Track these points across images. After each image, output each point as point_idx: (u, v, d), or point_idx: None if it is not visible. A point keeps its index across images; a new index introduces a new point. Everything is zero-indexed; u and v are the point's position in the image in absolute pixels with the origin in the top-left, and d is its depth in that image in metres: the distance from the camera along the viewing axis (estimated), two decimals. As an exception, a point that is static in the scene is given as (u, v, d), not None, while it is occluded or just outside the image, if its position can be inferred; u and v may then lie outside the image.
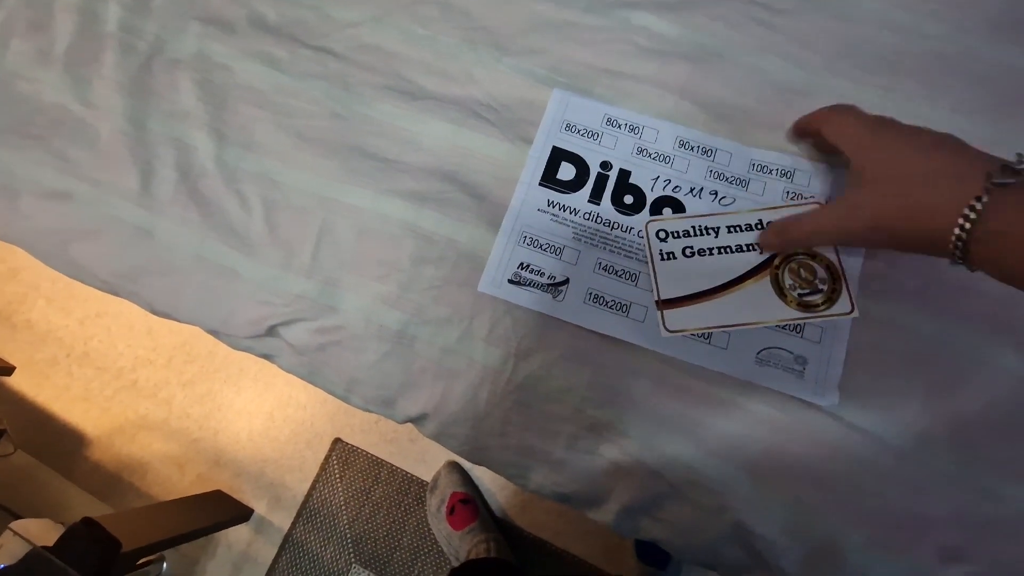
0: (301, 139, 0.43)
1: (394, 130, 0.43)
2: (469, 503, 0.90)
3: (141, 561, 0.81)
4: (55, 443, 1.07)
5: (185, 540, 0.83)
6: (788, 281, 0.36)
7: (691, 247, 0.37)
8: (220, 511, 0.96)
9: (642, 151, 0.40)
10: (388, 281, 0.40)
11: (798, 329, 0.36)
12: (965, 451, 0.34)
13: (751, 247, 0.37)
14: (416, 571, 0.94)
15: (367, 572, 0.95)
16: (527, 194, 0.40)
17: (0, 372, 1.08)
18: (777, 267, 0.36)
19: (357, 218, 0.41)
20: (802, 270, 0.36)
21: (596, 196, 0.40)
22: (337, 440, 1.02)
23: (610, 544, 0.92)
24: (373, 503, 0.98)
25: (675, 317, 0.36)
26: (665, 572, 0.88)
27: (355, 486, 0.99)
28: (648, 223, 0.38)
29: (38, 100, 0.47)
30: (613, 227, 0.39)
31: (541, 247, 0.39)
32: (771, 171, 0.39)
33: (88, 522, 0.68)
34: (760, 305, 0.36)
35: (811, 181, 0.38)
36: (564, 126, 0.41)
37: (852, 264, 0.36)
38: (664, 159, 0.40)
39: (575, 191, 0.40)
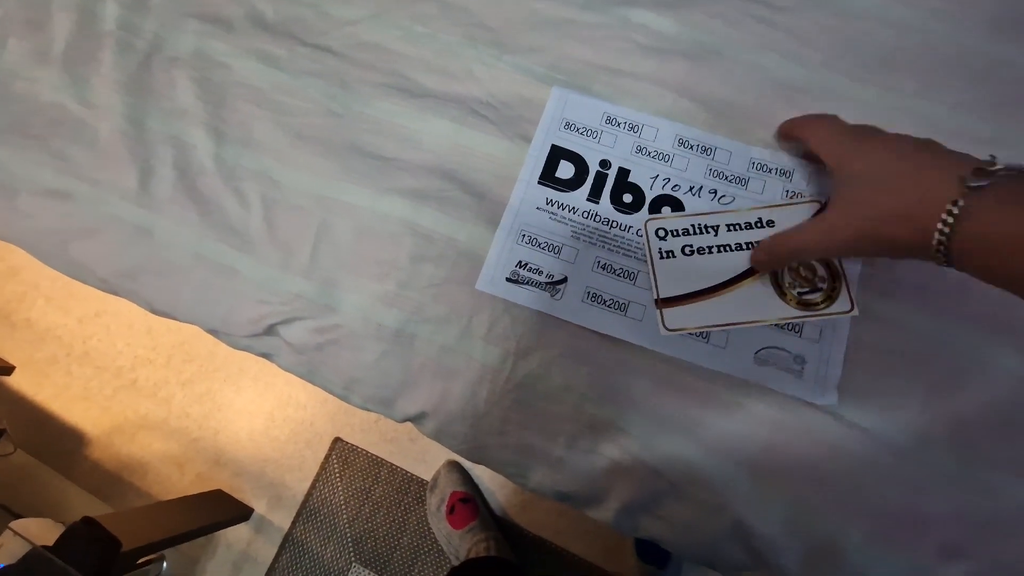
0: (299, 137, 0.43)
1: (393, 128, 0.42)
2: (469, 502, 0.91)
3: (141, 560, 0.81)
4: (55, 442, 1.07)
5: (185, 539, 0.83)
6: (788, 279, 0.36)
7: (690, 245, 0.37)
8: (220, 510, 0.96)
9: (641, 149, 0.40)
10: (387, 280, 0.39)
11: (796, 328, 0.36)
12: (965, 449, 0.34)
13: (750, 245, 0.37)
14: (416, 570, 0.94)
15: (367, 571, 0.95)
16: (526, 192, 0.40)
17: None
18: None
19: (356, 217, 0.41)
20: (802, 268, 0.36)
21: (595, 194, 0.39)
22: (337, 439, 1.02)
23: (610, 543, 0.92)
24: (373, 502, 0.98)
25: (674, 316, 0.36)
26: (665, 571, 0.88)
27: (355, 485, 0.99)
28: (647, 221, 0.38)
29: (36, 99, 0.47)
30: (612, 226, 0.39)
31: (539, 246, 0.39)
32: (770, 170, 0.39)
33: (88, 521, 0.67)
34: (759, 304, 0.36)
35: (810, 180, 0.38)
36: (563, 124, 0.41)
37: (852, 263, 0.36)
38: (663, 158, 0.40)
39: (574, 189, 0.40)
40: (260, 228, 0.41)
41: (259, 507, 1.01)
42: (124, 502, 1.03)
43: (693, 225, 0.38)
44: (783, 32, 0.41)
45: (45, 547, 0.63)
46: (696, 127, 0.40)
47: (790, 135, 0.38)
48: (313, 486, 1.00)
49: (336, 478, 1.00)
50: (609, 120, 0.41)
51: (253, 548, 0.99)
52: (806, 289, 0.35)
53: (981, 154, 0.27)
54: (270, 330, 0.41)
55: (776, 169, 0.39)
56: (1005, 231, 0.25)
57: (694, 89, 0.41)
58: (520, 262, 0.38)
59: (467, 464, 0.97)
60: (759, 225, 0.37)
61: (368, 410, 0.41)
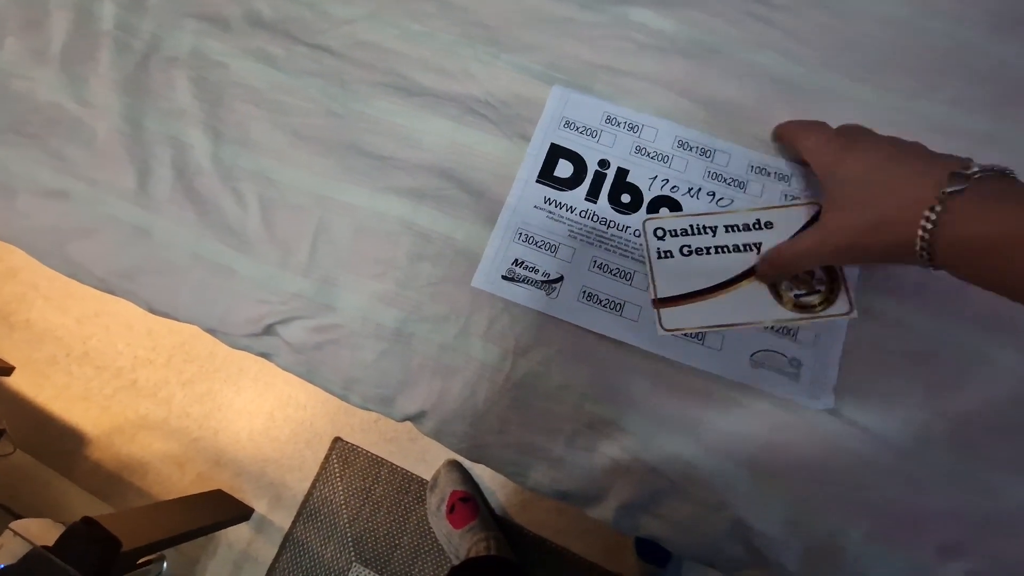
0: (297, 137, 0.43)
1: (391, 127, 0.42)
2: (469, 501, 0.91)
3: (141, 560, 0.81)
4: (55, 443, 1.07)
5: (185, 539, 0.83)
6: (784, 282, 0.36)
7: (688, 246, 0.37)
8: (220, 510, 0.97)
9: (641, 150, 0.40)
10: (385, 279, 0.39)
11: (791, 332, 0.36)
12: (965, 448, 0.34)
13: (748, 247, 0.36)
14: (416, 569, 0.95)
15: (368, 571, 0.95)
16: (524, 191, 0.40)
17: (-1, 372, 1.08)
18: None
19: (354, 216, 0.41)
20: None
21: (593, 194, 0.39)
22: (337, 439, 1.02)
23: (610, 542, 0.92)
24: (373, 502, 0.98)
25: (671, 316, 0.36)
26: (665, 570, 0.88)
27: (355, 485, 0.99)
28: (645, 221, 0.38)
29: (34, 99, 0.47)
30: (609, 225, 0.39)
31: (536, 244, 0.39)
32: (769, 173, 0.39)
33: (88, 521, 0.67)
34: (755, 305, 0.35)
35: (809, 183, 0.38)
36: (563, 123, 0.41)
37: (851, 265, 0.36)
38: (663, 158, 0.40)
39: (572, 188, 0.40)
40: (258, 228, 0.41)
41: (259, 507, 1.01)
42: (124, 502, 1.03)
43: (692, 225, 0.38)
44: (781, 30, 0.41)
45: (45, 547, 0.63)
46: (695, 127, 0.40)
47: (782, 140, 0.38)
48: (313, 486, 1.00)
49: (336, 478, 1.00)
50: (609, 120, 0.41)
51: (254, 548, 0.99)
52: (803, 291, 0.35)
53: (981, 153, 0.27)
54: (269, 330, 0.41)
55: (775, 172, 0.39)
56: (981, 235, 0.25)
57: (693, 88, 0.41)
58: (516, 260, 0.38)
59: (467, 463, 0.97)
60: (757, 227, 0.37)
61: (367, 409, 0.41)
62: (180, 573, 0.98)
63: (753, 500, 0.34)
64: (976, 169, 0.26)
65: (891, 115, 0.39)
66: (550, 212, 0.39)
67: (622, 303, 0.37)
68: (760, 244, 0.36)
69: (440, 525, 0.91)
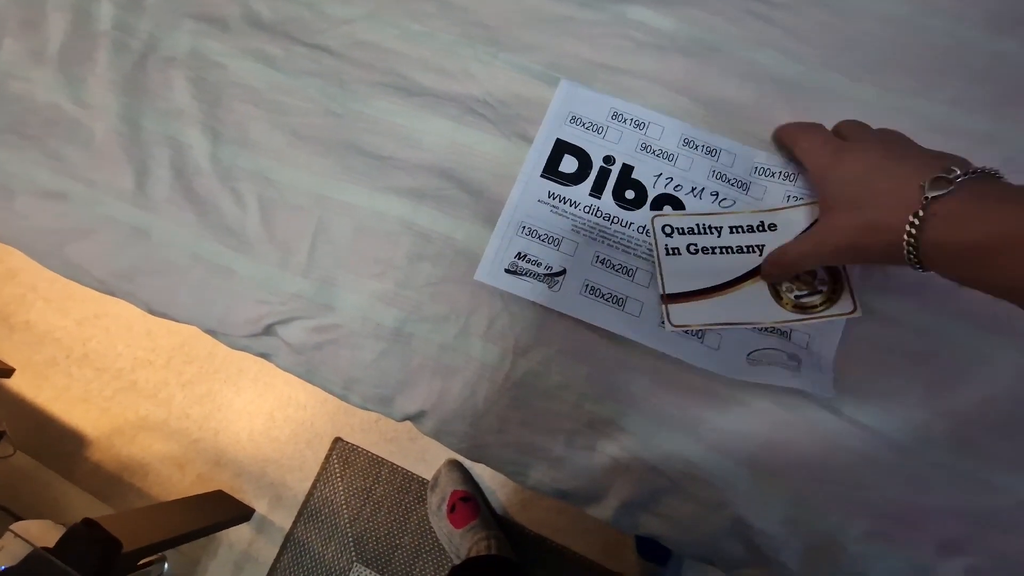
0: (296, 137, 0.43)
1: (390, 127, 0.42)
2: (470, 501, 0.91)
3: (142, 561, 0.81)
4: (55, 444, 1.07)
5: (186, 540, 0.83)
6: (785, 283, 0.36)
7: (695, 244, 0.37)
8: (221, 511, 0.97)
9: (646, 147, 0.40)
10: (385, 279, 0.39)
11: (786, 334, 0.36)
12: (964, 445, 0.34)
13: (752, 248, 0.36)
14: (417, 569, 0.95)
15: (368, 571, 0.96)
16: (527, 185, 0.40)
17: (-1, 374, 1.08)
18: None
19: (353, 216, 0.41)
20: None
21: (597, 190, 0.39)
22: (337, 439, 1.02)
23: (610, 541, 0.92)
24: (374, 502, 0.98)
25: (679, 312, 0.36)
26: (665, 568, 0.88)
27: (356, 485, 0.99)
28: (654, 217, 0.38)
29: (32, 100, 0.47)
30: (613, 221, 0.39)
31: (539, 238, 0.39)
32: (773, 174, 0.39)
33: (89, 523, 0.68)
34: (756, 306, 0.36)
35: (811, 184, 0.38)
36: (569, 118, 0.41)
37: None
38: (668, 157, 0.40)
39: (576, 184, 0.40)
40: (257, 228, 0.41)
41: (260, 507, 1.01)
42: (125, 503, 1.03)
43: (698, 224, 0.38)
44: (781, 29, 0.41)
45: (46, 549, 0.63)
46: (698, 126, 0.40)
47: (780, 143, 0.38)
48: (314, 486, 1.00)
49: (337, 478, 1.00)
50: (615, 116, 0.41)
51: (254, 548, 0.99)
52: (804, 292, 0.35)
53: (981, 153, 0.28)
54: (268, 330, 0.41)
55: (779, 173, 0.38)
56: (963, 238, 0.25)
57: (692, 87, 0.41)
58: (519, 253, 0.38)
59: (467, 463, 0.97)
60: (761, 228, 0.37)
61: (367, 409, 0.41)
62: (181, 574, 0.98)
63: (753, 498, 0.34)
64: (958, 173, 0.26)
65: (891, 114, 0.39)
66: (554, 207, 0.39)
67: (624, 298, 0.37)
68: (763, 246, 0.36)
69: (441, 525, 0.91)
